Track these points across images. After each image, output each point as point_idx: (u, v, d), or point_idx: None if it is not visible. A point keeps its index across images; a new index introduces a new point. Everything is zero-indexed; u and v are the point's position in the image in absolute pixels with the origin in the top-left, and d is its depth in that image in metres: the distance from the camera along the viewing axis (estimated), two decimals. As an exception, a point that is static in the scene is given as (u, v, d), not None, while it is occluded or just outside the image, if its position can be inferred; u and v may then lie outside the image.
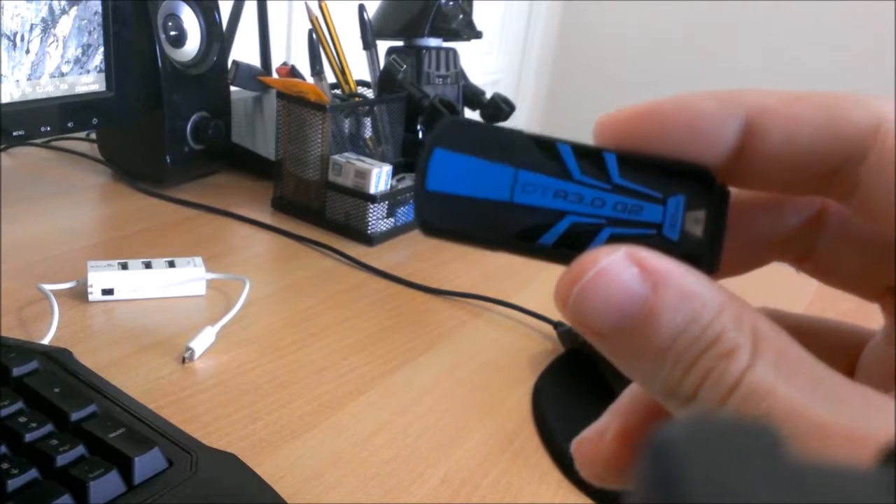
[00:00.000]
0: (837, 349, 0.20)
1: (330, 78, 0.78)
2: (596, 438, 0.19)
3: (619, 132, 0.17)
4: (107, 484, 0.32)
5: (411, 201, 0.76)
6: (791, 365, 0.14)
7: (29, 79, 0.65)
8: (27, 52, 0.64)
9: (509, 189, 0.16)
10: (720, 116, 0.16)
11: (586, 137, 0.17)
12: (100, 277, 0.54)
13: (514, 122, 0.90)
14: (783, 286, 0.69)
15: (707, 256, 0.17)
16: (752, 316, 0.15)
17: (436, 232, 0.17)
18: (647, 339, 0.15)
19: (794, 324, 0.20)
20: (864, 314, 0.21)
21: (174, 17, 0.77)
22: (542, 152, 0.16)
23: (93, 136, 0.87)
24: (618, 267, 0.15)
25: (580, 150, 0.16)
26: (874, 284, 0.19)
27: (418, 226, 0.17)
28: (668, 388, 0.15)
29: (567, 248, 0.16)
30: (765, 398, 0.14)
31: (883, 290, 0.19)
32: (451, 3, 0.82)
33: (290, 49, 1.39)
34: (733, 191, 0.17)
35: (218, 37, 0.80)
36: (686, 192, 0.17)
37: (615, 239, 0.16)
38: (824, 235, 0.19)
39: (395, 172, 0.74)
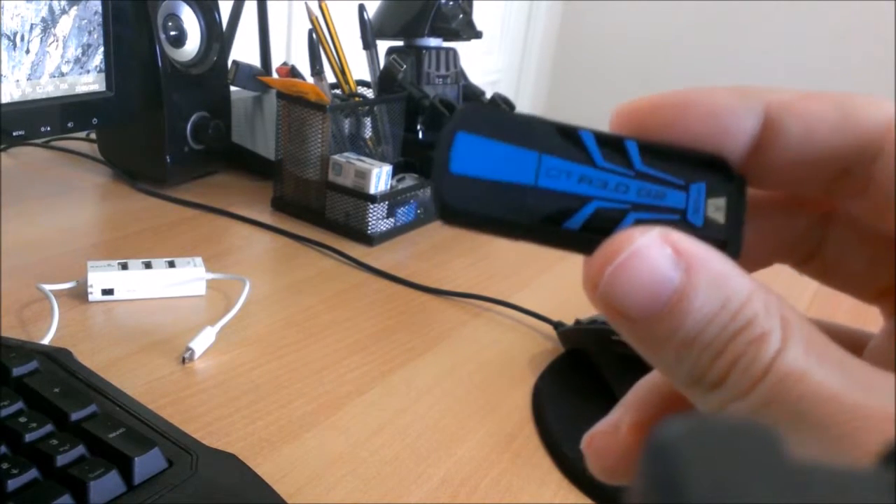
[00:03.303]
0: None
1: (330, 78, 0.78)
2: (610, 432, 0.19)
3: (637, 121, 0.17)
4: (107, 484, 0.32)
5: (411, 201, 0.76)
6: (820, 350, 0.14)
7: (29, 79, 0.65)
8: (27, 52, 0.64)
9: (534, 173, 0.16)
10: (740, 110, 0.16)
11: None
12: (100, 277, 0.54)
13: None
14: (782, 288, 0.69)
15: (732, 242, 0.17)
16: (779, 303, 0.15)
17: (457, 216, 0.16)
18: (678, 323, 0.15)
19: None
20: (864, 314, 0.21)
21: (174, 17, 0.77)
22: (565, 139, 0.16)
23: (93, 136, 0.87)
24: (652, 248, 0.15)
25: (602, 138, 0.16)
26: (874, 286, 0.19)
27: (438, 211, 0.16)
28: (694, 375, 0.15)
29: (593, 233, 0.16)
30: (797, 382, 0.14)
31: (882, 291, 0.19)
32: (451, 3, 0.82)
33: (290, 49, 1.39)
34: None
35: (218, 37, 0.80)
36: (706, 179, 0.17)
37: (640, 223, 0.16)
38: (829, 237, 0.19)
39: (395, 172, 0.74)
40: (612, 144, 0.16)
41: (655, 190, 0.16)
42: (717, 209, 0.17)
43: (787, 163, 0.16)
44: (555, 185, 0.16)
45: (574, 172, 0.16)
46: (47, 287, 0.53)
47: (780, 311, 0.15)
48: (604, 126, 0.17)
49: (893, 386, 0.14)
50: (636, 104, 0.17)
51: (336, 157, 0.72)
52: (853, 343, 0.19)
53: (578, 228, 0.16)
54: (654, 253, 0.15)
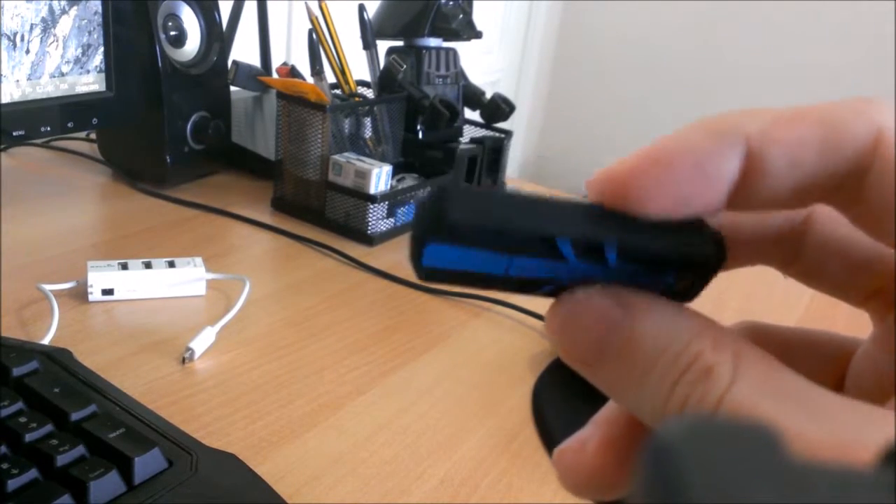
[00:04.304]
0: (826, 359, 0.19)
1: (330, 78, 0.78)
2: (578, 448, 0.19)
3: (616, 189, 0.16)
4: (107, 484, 0.32)
5: (411, 201, 0.76)
6: (775, 383, 0.14)
7: (29, 79, 0.65)
8: (27, 52, 0.64)
9: (504, 268, 0.16)
10: (722, 154, 0.15)
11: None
12: (100, 277, 0.54)
13: (514, 122, 0.89)
14: (781, 289, 0.69)
15: (688, 298, 0.17)
16: (731, 338, 0.15)
17: (432, 283, 0.17)
18: (630, 365, 0.15)
19: (781, 337, 0.20)
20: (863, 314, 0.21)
21: (174, 17, 0.77)
22: (540, 243, 0.16)
23: (93, 136, 0.87)
24: (594, 299, 0.16)
25: (580, 244, 0.16)
26: (861, 289, 0.19)
27: (414, 273, 0.17)
28: (655, 412, 0.15)
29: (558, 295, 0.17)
30: (749, 416, 0.14)
31: (870, 294, 0.19)
32: (451, 3, 0.82)
33: (290, 49, 1.39)
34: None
35: (218, 37, 0.80)
36: (679, 266, 0.16)
37: None
38: (811, 239, 0.19)
39: (395, 172, 0.74)
40: (590, 249, 0.16)
41: (625, 279, 0.17)
42: (682, 281, 0.17)
43: (772, 189, 0.16)
44: (525, 275, 0.16)
45: (545, 265, 0.16)
46: (47, 287, 0.53)
47: (733, 346, 0.15)
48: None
49: (853, 414, 0.14)
50: (612, 173, 0.16)
51: (336, 157, 0.72)
52: (841, 351, 0.19)
53: (546, 294, 0.17)
54: (596, 303, 0.16)
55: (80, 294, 0.55)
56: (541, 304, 0.61)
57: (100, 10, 0.69)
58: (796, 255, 0.19)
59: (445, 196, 0.15)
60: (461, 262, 0.16)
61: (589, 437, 0.19)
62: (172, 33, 0.76)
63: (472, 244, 0.16)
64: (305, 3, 0.76)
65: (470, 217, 0.15)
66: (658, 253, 0.16)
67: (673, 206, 0.16)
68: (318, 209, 0.74)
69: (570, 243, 0.16)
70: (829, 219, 0.18)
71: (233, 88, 0.85)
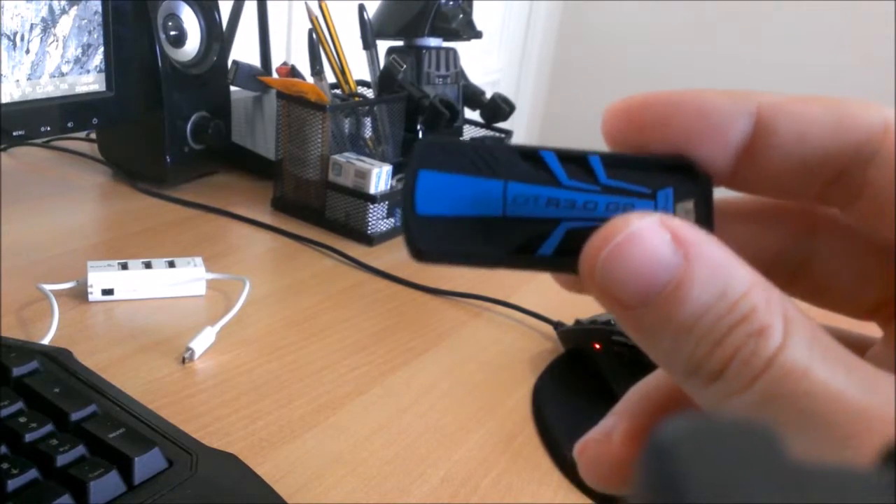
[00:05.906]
0: None
1: (330, 78, 0.78)
2: (602, 440, 0.18)
3: (629, 119, 0.17)
4: (107, 484, 0.32)
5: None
6: (824, 349, 0.14)
7: (29, 79, 0.65)
8: (27, 51, 0.64)
9: (501, 203, 0.16)
10: (731, 110, 0.16)
11: (586, 137, 0.17)
12: (100, 277, 0.54)
13: (514, 122, 0.89)
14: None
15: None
16: (781, 297, 0.14)
17: (430, 257, 0.16)
18: (675, 311, 0.14)
19: None
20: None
21: (174, 17, 0.77)
22: (527, 162, 0.16)
23: (93, 136, 0.87)
24: (651, 232, 0.14)
25: (564, 156, 0.16)
26: (866, 301, 0.19)
27: (410, 253, 0.16)
28: (692, 365, 0.14)
29: (567, 256, 0.16)
30: (801, 379, 0.13)
31: (876, 305, 0.18)
32: (451, 3, 0.82)
33: (290, 49, 1.39)
34: (719, 204, 0.17)
35: (218, 37, 0.80)
36: (673, 184, 0.16)
37: None
38: (817, 252, 0.19)
39: (395, 172, 0.74)
40: (575, 161, 0.16)
41: (624, 202, 0.16)
42: (686, 212, 0.16)
43: (779, 165, 0.16)
44: (523, 213, 0.16)
45: (541, 196, 0.16)
46: (47, 287, 0.53)
47: (783, 307, 0.14)
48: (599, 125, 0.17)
49: None
50: (628, 103, 0.17)
51: (336, 157, 0.72)
52: (853, 347, 0.19)
53: (552, 253, 0.16)
54: (652, 237, 0.14)
55: (80, 294, 0.55)
56: (540, 304, 0.61)
57: (100, 10, 0.69)
58: (799, 272, 0.19)
59: (434, 137, 0.16)
60: (455, 201, 0.16)
61: (613, 427, 0.18)
62: (172, 33, 0.76)
63: (464, 167, 0.16)
64: (305, 3, 0.76)
65: (456, 142, 0.16)
66: (644, 157, 0.16)
67: (677, 144, 0.16)
68: (318, 209, 0.74)
69: (554, 155, 0.16)
70: (834, 229, 0.18)
71: (233, 88, 0.85)
